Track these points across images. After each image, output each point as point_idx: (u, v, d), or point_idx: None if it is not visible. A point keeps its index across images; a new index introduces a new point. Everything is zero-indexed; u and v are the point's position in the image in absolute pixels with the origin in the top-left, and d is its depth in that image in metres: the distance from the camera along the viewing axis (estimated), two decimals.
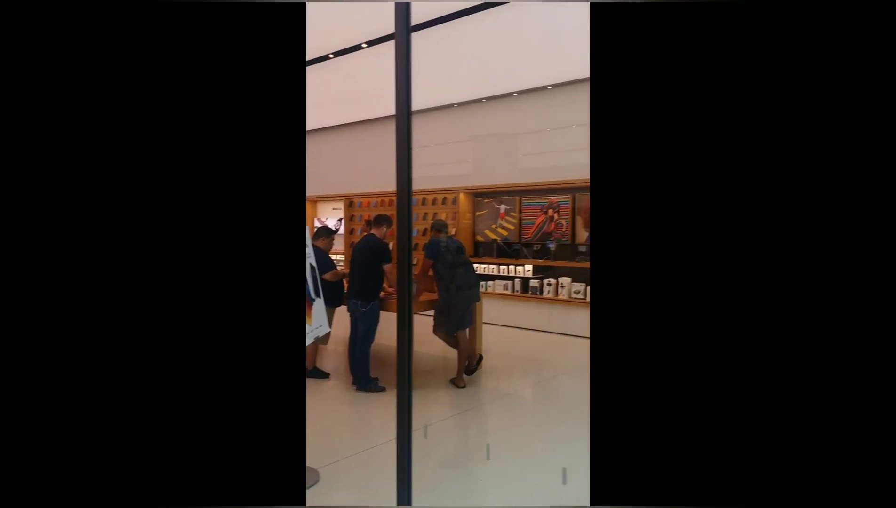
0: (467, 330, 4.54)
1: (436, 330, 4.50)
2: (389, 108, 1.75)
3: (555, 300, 6.66)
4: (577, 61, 5.73)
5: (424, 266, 4.46)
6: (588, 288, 6.38)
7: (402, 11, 1.54)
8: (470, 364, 4.61)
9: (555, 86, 6.50)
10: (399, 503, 1.82)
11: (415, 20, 5.14)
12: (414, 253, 7.42)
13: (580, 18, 4.52)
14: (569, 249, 6.70)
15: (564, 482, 2.66)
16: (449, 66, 5.88)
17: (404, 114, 1.32)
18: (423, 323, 4.78)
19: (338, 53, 5.26)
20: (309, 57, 5.33)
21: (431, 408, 3.97)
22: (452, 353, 4.57)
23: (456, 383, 4.44)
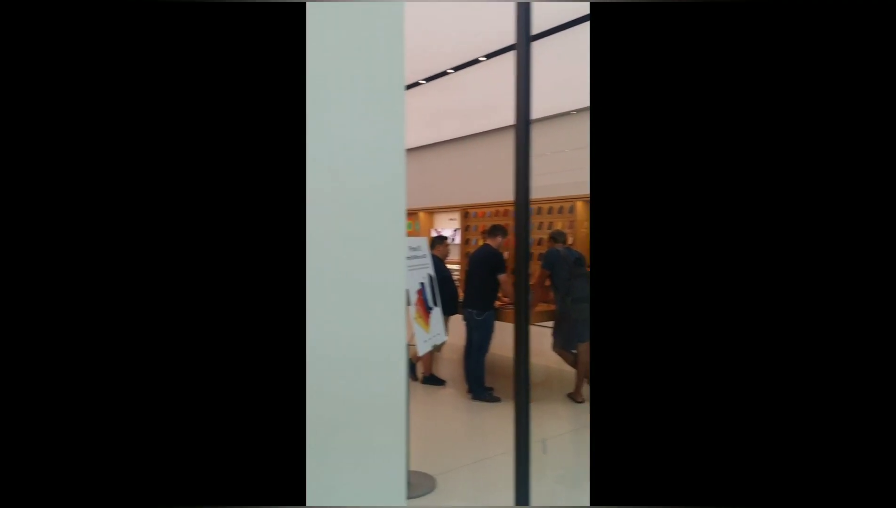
0: (587, 342, 4.38)
1: (555, 347, 4.39)
2: (504, 119, 1.73)
3: None
4: None
5: (541, 276, 4.38)
6: None
7: (523, 12, 1.54)
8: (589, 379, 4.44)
9: None
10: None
11: (536, 28, 5.12)
12: (532, 263, 7.30)
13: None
14: None
15: None
16: (567, 73, 5.77)
17: (523, 122, 1.31)
18: (538, 333, 4.69)
19: (457, 68, 5.37)
20: (428, 74, 5.51)
21: (548, 422, 3.87)
22: (569, 366, 4.43)
23: (574, 397, 4.30)
